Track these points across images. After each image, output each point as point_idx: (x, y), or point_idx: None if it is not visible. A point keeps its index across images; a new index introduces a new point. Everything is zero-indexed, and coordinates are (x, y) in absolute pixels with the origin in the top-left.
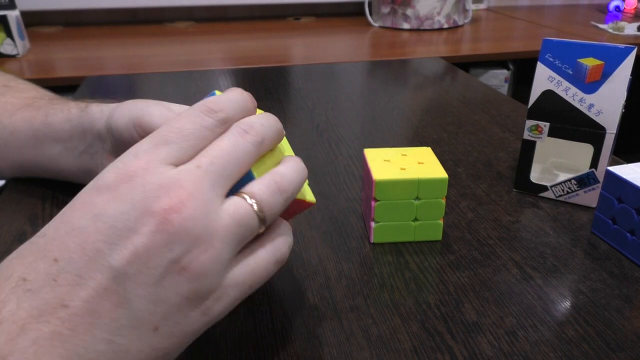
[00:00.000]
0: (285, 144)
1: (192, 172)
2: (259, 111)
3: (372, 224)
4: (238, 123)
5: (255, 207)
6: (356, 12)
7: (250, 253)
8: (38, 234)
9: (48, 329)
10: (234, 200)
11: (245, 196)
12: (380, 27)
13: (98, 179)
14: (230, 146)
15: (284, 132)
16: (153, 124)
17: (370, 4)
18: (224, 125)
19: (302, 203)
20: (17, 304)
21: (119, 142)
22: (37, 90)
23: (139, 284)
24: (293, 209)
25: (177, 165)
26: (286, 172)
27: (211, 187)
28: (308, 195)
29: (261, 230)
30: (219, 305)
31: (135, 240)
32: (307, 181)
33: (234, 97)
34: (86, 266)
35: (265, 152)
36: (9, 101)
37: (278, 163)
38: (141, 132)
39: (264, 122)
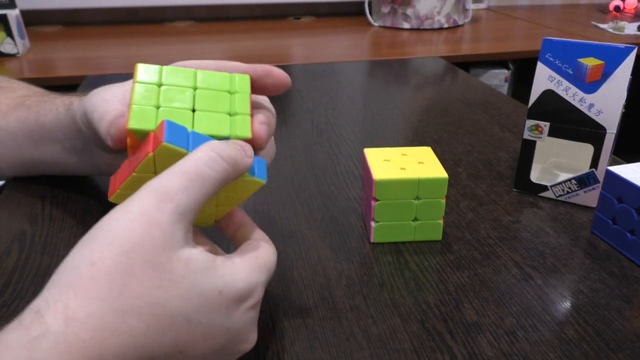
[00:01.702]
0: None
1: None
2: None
3: (372, 224)
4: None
5: None
6: (356, 12)
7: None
8: (183, 311)
9: None
10: None
11: None
12: (380, 26)
13: (245, 287)
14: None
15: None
16: (92, 120)
17: (370, 4)
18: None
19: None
20: None
21: (91, 138)
22: (28, 88)
23: None
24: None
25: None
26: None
27: None
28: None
29: None
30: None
31: (228, 354)
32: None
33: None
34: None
35: None
36: (2, 102)
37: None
38: (87, 128)
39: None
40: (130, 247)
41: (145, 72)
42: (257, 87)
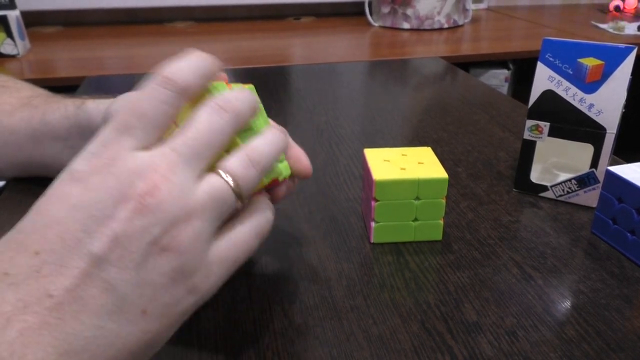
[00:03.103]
0: (261, 115)
1: (166, 155)
2: (234, 85)
3: (372, 224)
4: (215, 99)
5: (231, 182)
6: (356, 12)
7: (230, 228)
8: (12, 231)
9: (35, 320)
10: (209, 177)
11: (221, 172)
12: (380, 27)
13: (70, 171)
14: (206, 126)
15: (259, 105)
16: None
17: (370, 4)
18: (185, 94)
19: (275, 180)
20: (1, 297)
21: None
22: (33, 89)
23: (121, 269)
24: (269, 184)
25: (147, 147)
26: (259, 145)
27: (186, 168)
28: (284, 170)
29: (239, 205)
30: (205, 282)
31: (113, 225)
32: (283, 155)
33: (194, 62)
34: (67, 255)
35: (240, 129)
36: (6, 101)
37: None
38: None
39: (239, 96)
40: None
41: None
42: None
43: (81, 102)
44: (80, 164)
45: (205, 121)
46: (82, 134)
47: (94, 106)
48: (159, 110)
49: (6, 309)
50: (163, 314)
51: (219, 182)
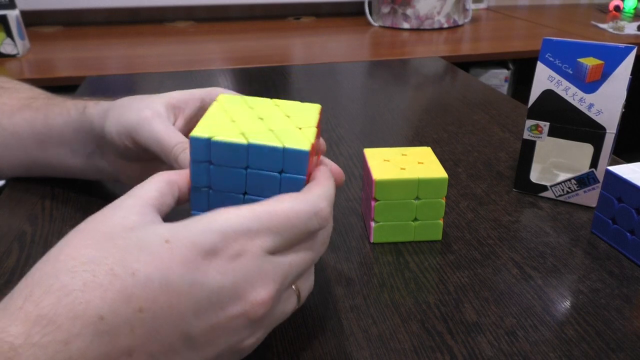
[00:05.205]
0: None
1: (285, 270)
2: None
3: (372, 224)
4: (322, 243)
5: (300, 301)
6: (356, 12)
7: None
8: (123, 265)
9: None
10: (291, 295)
11: (298, 294)
12: (380, 26)
13: (199, 240)
14: (310, 261)
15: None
16: (149, 143)
17: (370, 4)
18: (319, 231)
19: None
20: (89, 343)
21: (116, 148)
22: (32, 90)
23: (200, 356)
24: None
25: (273, 253)
26: (312, 274)
27: (289, 285)
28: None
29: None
30: None
31: (219, 317)
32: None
33: (331, 209)
34: (166, 326)
35: None
36: (6, 102)
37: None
38: (135, 146)
39: (327, 241)
40: (83, 226)
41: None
42: None
43: (83, 106)
44: (216, 232)
45: (312, 258)
46: (86, 139)
47: (95, 112)
48: (303, 234)
49: (88, 358)
50: None
51: (294, 303)
